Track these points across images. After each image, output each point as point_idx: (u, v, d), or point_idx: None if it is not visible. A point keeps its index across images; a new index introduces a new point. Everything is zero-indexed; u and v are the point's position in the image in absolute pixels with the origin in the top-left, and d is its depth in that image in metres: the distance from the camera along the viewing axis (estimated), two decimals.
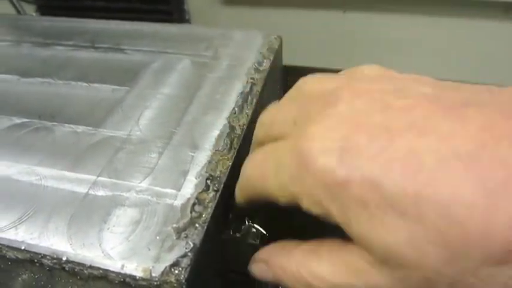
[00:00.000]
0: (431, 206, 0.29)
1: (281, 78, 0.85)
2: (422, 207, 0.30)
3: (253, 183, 0.45)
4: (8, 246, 0.50)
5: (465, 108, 0.32)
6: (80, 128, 0.62)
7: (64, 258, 0.47)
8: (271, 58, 0.73)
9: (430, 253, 0.30)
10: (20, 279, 0.56)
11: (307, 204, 0.37)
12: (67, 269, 0.48)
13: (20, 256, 0.50)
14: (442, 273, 0.30)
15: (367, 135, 0.34)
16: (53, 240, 0.49)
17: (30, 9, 1.43)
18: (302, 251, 0.42)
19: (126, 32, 0.82)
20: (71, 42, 0.80)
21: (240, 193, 0.50)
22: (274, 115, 0.47)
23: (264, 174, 0.43)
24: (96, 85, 0.70)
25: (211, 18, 1.38)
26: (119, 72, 0.72)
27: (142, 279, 0.45)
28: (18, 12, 1.42)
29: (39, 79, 0.73)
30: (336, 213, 0.35)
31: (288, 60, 1.32)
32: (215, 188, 0.53)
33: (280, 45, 0.78)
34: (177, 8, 1.36)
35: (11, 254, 0.50)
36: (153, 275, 0.45)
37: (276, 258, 0.45)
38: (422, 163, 0.31)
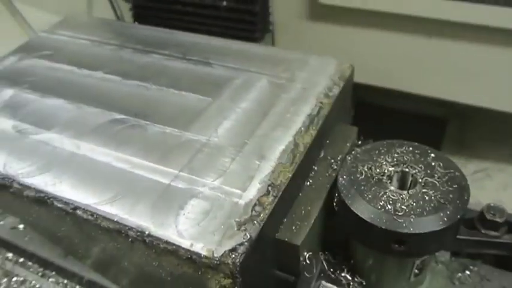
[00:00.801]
0: None
1: (351, 103, 0.99)
2: None
3: None
4: (103, 217, 0.69)
5: None
6: (168, 129, 0.80)
7: (146, 232, 0.65)
8: (341, 85, 0.88)
9: None
10: (105, 246, 0.75)
11: None
12: (147, 241, 0.65)
13: (111, 226, 0.68)
14: None
15: None
16: (138, 217, 0.67)
17: (126, 8, 1.67)
18: None
19: (215, 47, 1.00)
20: (166, 52, 0.99)
21: None
22: None
23: None
24: (184, 93, 0.89)
25: (294, 31, 1.53)
26: (205, 83, 0.90)
27: (206, 257, 0.62)
28: (116, 12, 1.66)
29: (138, 82, 0.92)
30: None
31: (365, 79, 1.45)
32: (274, 194, 0.69)
33: (352, 74, 0.93)
34: (262, 19, 1.53)
35: (104, 224, 0.69)
36: (215, 255, 0.61)
37: None
38: None
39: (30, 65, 1.02)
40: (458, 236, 0.83)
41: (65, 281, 0.97)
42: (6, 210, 1.01)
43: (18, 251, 1.05)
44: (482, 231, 0.81)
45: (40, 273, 0.99)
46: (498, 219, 0.80)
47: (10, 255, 1.04)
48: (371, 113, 1.88)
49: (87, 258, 0.90)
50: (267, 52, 0.98)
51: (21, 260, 1.02)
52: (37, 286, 0.96)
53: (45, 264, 1.01)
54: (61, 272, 0.99)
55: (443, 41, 1.27)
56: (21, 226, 1.08)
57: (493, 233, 0.81)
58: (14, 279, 0.98)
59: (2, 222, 1.11)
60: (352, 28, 1.39)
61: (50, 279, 0.98)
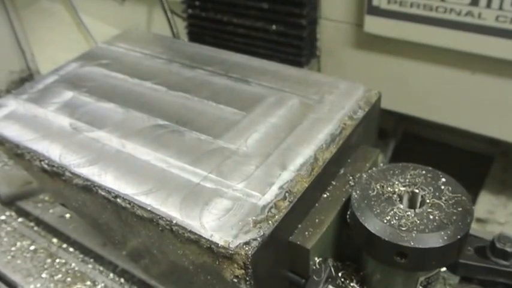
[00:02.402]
0: None
1: (376, 127, 1.08)
2: None
3: None
4: (138, 206, 0.80)
5: None
6: (203, 136, 0.92)
7: (174, 222, 0.76)
8: (366, 109, 0.97)
9: None
10: (138, 233, 0.87)
11: None
12: (174, 230, 0.77)
13: (145, 214, 0.80)
14: None
15: None
16: (169, 208, 0.78)
17: (182, 27, 1.82)
18: None
19: (255, 67, 1.11)
20: (210, 68, 1.12)
21: None
22: None
23: None
24: (222, 106, 1.00)
25: (340, 58, 1.61)
26: (241, 99, 1.01)
27: (223, 247, 0.72)
28: (172, 30, 1.81)
29: (181, 93, 1.05)
30: None
31: (409, 110, 1.52)
32: (290, 200, 0.79)
33: (379, 100, 1.02)
34: (309, 45, 1.63)
35: (139, 212, 0.81)
36: (230, 246, 0.72)
37: None
38: None
39: (89, 71, 1.16)
40: (468, 262, 0.90)
41: (101, 268, 1.10)
42: (57, 197, 1.15)
43: (63, 237, 1.19)
44: (492, 259, 0.88)
45: (80, 259, 1.13)
46: (508, 249, 0.86)
47: (55, 240, 1.18)
48: (418, 145, 1.94)
49: (122, 246, 1.02)
50: (302, 75, 1.08)
51: (65, 245, 1.16)
52: (76, 269, 1.09)
53: (86, 252, 1.14)
54: (99, 259, 1.12)
55: (487, 77, 1.32)
56: (67, 215, 1.22)
57: (502, 261, 0.88)
58: (57, 260, 1.12)
59: (51, 211, 1.25)
60: (397, 58, 1.45)
61: (89, 265, 1.11)
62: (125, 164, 0.88)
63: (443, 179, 0.86)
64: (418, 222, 0.78)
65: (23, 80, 1.62)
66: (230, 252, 0.71)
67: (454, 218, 0.79)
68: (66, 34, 1.77)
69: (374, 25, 1.39)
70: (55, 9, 1.77)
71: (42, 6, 1.74)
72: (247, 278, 0.73)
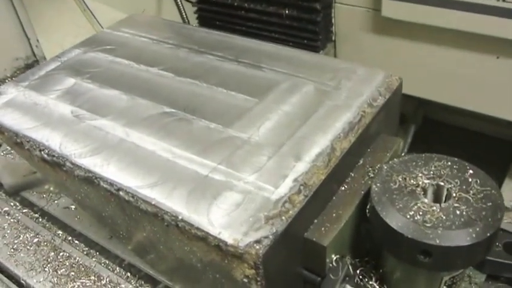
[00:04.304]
0: None
1: (398, 115, 1.02)
2: None
3: None
4: (142, 200, 0.75)
5: None
6: (213, 125, 0.86)
7: (180, 217, 0.71)
8: (387, 96, 0.91)
9: None
10: (143, 228, 0.82)
11: None
12: (180, 226, 0.71)
13: (149, 209, 0.75)
14: None
15: None
16: (175, 203, 0.73)
17: (191, 12, 1.76)
18: None
19: (267, 52, 1.05)
20: (219, 54, 1.06)
21: None
22: None
23: None
24: (232, 93, 0.94)
25: (356, 43, 1.55)
26: (253, 85, 0.95)
27: (232, 246, 0.66)
28: (181, 15, 1.75)
29: (189, 80, 0.99)
30: None
31: (430, 95, 1.46)
32: (305, 193, 0.73)
33: (400, 86, 0.95)
34: (324, 29, 1.57)
35: (143, 206, 0.75)
36: (240, 244, 0.66)
37: None
38: None
39: (93, 57, 1.11)
40: (496, 259, 0.84)
41: (107, 262, 1.06)
42: (61, 189, 1.11)
43: (68, 229, 1.15)
44: None
45: (85, 252, 1.08)
46: None
47: (60, 232, 1.14)
48: (439, 130, 1.88)
49: (128, 241, 0.97)
50: (317, 60, 1.02)
51: (70, 238, 1.12)
52: (80, 263, 1.05)
53: (91, 245, 1.10)
54: (104, 253, 1.08)
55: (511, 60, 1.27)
56: (72, 207, 1.18)
57: None
58: (61, 253, 1.08)
59: (56, 202, 1.21)
60: (416, 43, 1.39)
61: (94, 259, 1.07)
62: (129, 155, 0.83)
63: (471, 171, 0.80)
64: (444, 218, 0.73)
65: (28, 67, 1.58)
66: (240, 251, 0.66)
67: (483, 213, 0.73)
68: (73, 20, 1.73)
69: (392, 9, 1.34)
70: None
71: None
72: (259, 279, 0.68)
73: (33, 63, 1.62)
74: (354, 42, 1.56)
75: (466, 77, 1.36)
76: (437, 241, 0.70)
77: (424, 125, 1.86)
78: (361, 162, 0.88)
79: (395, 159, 0.83)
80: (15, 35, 1.59)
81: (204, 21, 1.72)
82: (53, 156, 0.86)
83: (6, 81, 1.52)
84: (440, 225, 0.71)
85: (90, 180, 0.81)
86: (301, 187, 0.74)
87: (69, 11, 1.72)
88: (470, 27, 1.23)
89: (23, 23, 1.59)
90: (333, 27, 1.56)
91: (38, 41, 1.64)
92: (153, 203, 0.74)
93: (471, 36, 1.24)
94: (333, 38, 1.59)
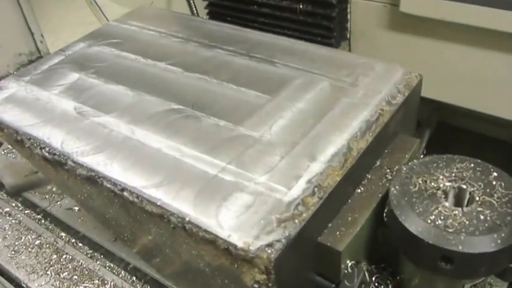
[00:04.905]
0: None
1: (416, 114, 1.00)
2: None
3: None
4: (148, 201, 0.73)
5: None
6: (222, 123, 0.84)
7: (187, 219, 0.69)
8: (406, 94, 0.89)
9: None
10: (148, 230, 0.80)
11: None
12: (187, 228, 0.69)
13: (154, 210, 0.73)
14: None
15: None
16: (182, 204, 0.71)
17: (202, 6, 1.74)
18: None
19: (280, 46, 1.03)
20: (230, 48, 1.04)
21: None
22: None
23: None
24: (243, 89, 0.92)
25: (372, 40, 1.53)
26: (265, 81, 0.93)
27: (242, 249, 0.64)
28: (191, 9, 1.74)
29: (198, 75, 0.97)
30: None
31: (442, 97, 1.43)
32: (320, 196, 0.71)
33: (420, 84, 0.93)
34: (339, 26, 1.55)
35: (148, 208, 0.73)
36: (251, 248, 0.64)
37: None
38: None
39: (98, 51, 1.09)
40: None
41: (112, 265, 1.04)
42: (63, 189, 1.09)
43: (71, 231, 1.13)
44: None
45: (89, 255, 1.07)
46: None
47: (63, 234, 1.12)
48: (451, 134, 1.84)
49: (133, 243, 0.95)
50: (333, 55, 1.00)
51: (73, 240, 1.10)
52: (84, 266, 1.03)
53: (95, 247, 1.09)
54: (108, 255, 1.06)
55: None
56: (76, 208, 1.16)
57: None
58: (64, 256, 1.06)
59: (59, 203, 1.20)
60: (436, 41, 1.36)
61: (98, 262, 1.05)
62: (134, 153, 0.81)
63: (495, 174, 0.78)
64: (467, 223, 0.70)
65: (31, 63, 1.56)
66: (250, 255, 0.64)
67: (509, 218, 0.71)
68: (80, 16, 1.72)
69: (411, 4, 1.31)
70: None
71: None
72: (270, 284, 0.66)
73: (37, 59, 1.61)
74: (370, 40, 1.53)
75: (491, 79, 1.32)
76: (460, 247, 0.68)
77: (438, 130, 1.82)
78: (378, 163, 0.85)
79: (414, 161, 0.81)
80: (19, 29, 1.59)
81: (215, 16, 1.70)
82: (54, 154, 0.85)
83: (9, 76, 1.51)
84: (463, 230, 0.69)
85: (93, 179, 0.80)
86: (316, 189, 0.71)
87: (76, 6, 1.71)
88: (493, 25, 1.19)
89: (27, 17, 1.59)
90: (348, 23, 1.54)
91: (42, 36, 1.63)
92: (158, 204, 0.72)
93: (497, 35, 1.21)
94: (348, 35, 1.56)
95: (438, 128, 1.85)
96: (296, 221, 0.68)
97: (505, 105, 1.34)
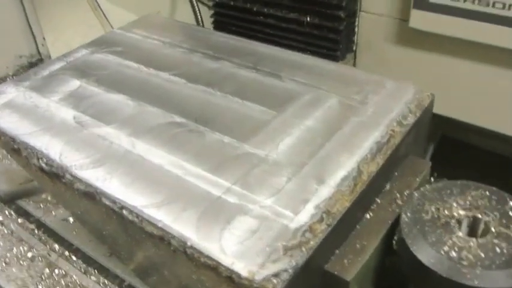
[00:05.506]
0: None
1: (427, 135, 0.95)
2: None
3: None
4: (148, 221, 0.69)
5: None
6: (227, 139, 0.80)
7: (189, 243, 0.65)
8: (418, 114, 0.85)
9: None
10: (147, 252, 0.76)
11: None
12: (188, 253, 0.65)
13: (155, 232, 0.68)
14: None
15: None
16: (183, 226, 0.66)
17: (207, 16, 1.71)
18: None
19: (288, 60, 0.99)
20: (236, 60, 1.00)
21: None
22: None
23: None
24: (248, 103, 0.88)
25: (379, 54, 1.49)
26: (271, 96, 0.89)
27: (246, 279, 0.60)
28: (197, 19, 1.70)
29: (203, 87, 0.93)
30: None
31: (450, 112, 1.39)
32: (328, 222, 0.67)
33: (432, 103, 0.89)
34: (346, 39, 1.51)
35: (148, 228, 0.69)
36: (256, 278, 0.60)
37: None
38: None
39: (101, 58, 1.05)
40: None
41: (106, 281, 0.99)
42: (59, 200, 1.05)
43: (65, 244, 1.08)
44: None
45: (83, 270, 1.02)
46: None
47: (56, 246, 1.08)
48: (455, 150, 1.81)
49: (129, 261, 0.91)
50: (342, 71, 0.96)
51: (66, 253, 1.06)
52: (77, 282, 0.99)
53: (89, 262, 1.04)
54: (103, 271, 1.02)
55: None
56: (71, 219, 1.11)
57: None
58: (56, 270, 1.01)
59: (53, 213, 1.15)
60: (445, 57, 1.33)
61: (92, 277, 1.00)
62: (134, 168, 0.77)
63: (511, 203, 0.73)
64: (483, 256, 0.66)
65: (32, 66, 1.53)
66: (255, 285, 0.60)
67: None
68: (84, 20, 1.68)
69: (421, 20, 1.28)
70: None
71: None
72: None
73: (37, 62, 1.57)
74: (376, 54, 1.51)
75: (498, 96, 1.29)
76: (476, 282, 0.64)
77: (441, 145, 1.79)
78: (387, 187, 0.81)
79: (427, 186, 0.77)
80: (20, 31, 1.54)
81: (220, 26, 1.67)
82: (52, 166, 0.80)
83: (8, 79, 1.47)
84: (479, 264, 0.65)
85: (91, 195, 0.75)
86: (324, 215, 0.67)
87: (80, 10, 1.67)
88: (503, 43, 1.17)
89: (29, 19, 1.55)
90: (355, 37, 1.51)
91: (44, 38, 1.59)
92: (159, 225, 0.68)
93: (505, 53, 1.18)
94: (354, 49, 1.53)
95: (441, 142, 1.82)
96: (303, 249, 0.63)
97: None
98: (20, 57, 1.57)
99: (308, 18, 1.44)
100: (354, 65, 1.55)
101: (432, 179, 0.89)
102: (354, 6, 1.40)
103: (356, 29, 1.47)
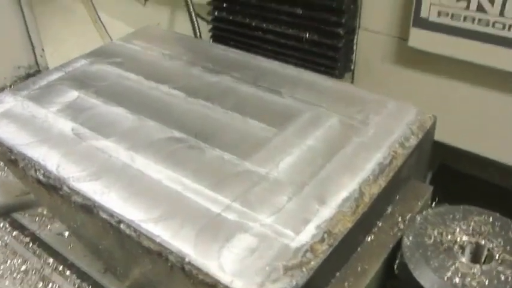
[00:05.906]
0: None
1: (428, 158, 0.94)
2: None
3: None
4: (145, 236, 0.67)
5: None
6: (227, 156, 0.79)
7: (187, 259, 0.63)
8: (420, 136, 0.84)
9: None
10: (144, 268, 0.74)
11: None
12: (186, 269, 0.63)
13: (152, 247, 0.66)
14: None
15: None
16: (182, 242, 0.65)
17: (206, 29, 1.70)
18: None
19: (288, 76, 0.98)
20: (236, 74, 0.99)
21: None
22: None
23: None
24: (249, 120, 0.87)
25: (377, 74, 1.48)
26: (272, 112, 0.88)
27: None
28: (195, 32, 1.69)
29: (202, 101, 0.92)
30: None
31: (447, 139, 1.38)
32: (329, 243, 0.65)
33: (433, 125, 0.88)
34: (344, 57, 1.51)
35: (146, 243, 0.67)
36: None
37: None
38: None
39: (100, 69, 1.04)
40: None
41: None
42: (55, 213, 1.03)
43: (60, 258, 1.06)
44: None
45: (76, 285, 1.00)
46: None
47: (51, 261, 1.05)
48: (453, 180, 1.78)
49: (125, 278, 0.89)
50: (343, 89, 0.96)
51: (60, 268, 1.03)
52: None
53: (83, 277, 1.01)
54: (97, 287, 0.99)
55: None
56: (66, 233, 1.09)
57: None
58: (50, 285, 0.99)
59: (49, 227, 1.13)
60: (442, 78, 1.32)
61: None
62: (133, 182, 0.75)
63: None
64: (487, 283, 0.65)
65: (29, 77, 1.51)
66: None
67: None
68: (83, 32, 1.68)
69: (420, 39, 1.26)
70: (73, 7, 1.68)
71: (60, 3, 1.66)
72: None
73: (35, 73, 1.56)
74: (374, 73, 1.49)
75: (499, 123, 1.27)
76: None
77: (439, 174, 1.77)
78: (389, 210, 0.80)
79: (429, 210, 0.76)
80: (19, 41, 1.53)
81: (218, 40, 1.65)
82: (49, 178, 0.79)
83: (5, 90, 1.46)
84: None
85: (88, 208, 0.74)
86: (325, 235, 0.66)
87: (80, 22, 1.66)
88: (505, 65, 1.15)
89: (29, 30, 1.53)
90: (354, 55, 1.49)
91: (43, 50, 1.57)
92: (157, 240, 0.66)
93: (506, 76, 1.17)
94: (352, 67, 1.52)
95: (439, 171, 1.80)
96: (304, 269, 0.62)
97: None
98: (18, 68, 1.55)
99: (307, 35, 1.43)
100: (352, 83, 1.54)
101: (433, 205, 0.88)
102: (353, 24, 1.39)
103: (354, 47, 1.46)
